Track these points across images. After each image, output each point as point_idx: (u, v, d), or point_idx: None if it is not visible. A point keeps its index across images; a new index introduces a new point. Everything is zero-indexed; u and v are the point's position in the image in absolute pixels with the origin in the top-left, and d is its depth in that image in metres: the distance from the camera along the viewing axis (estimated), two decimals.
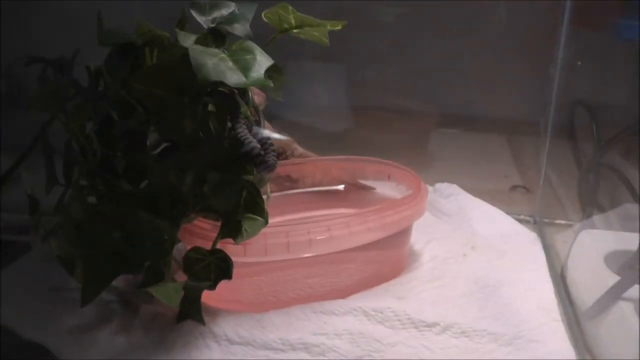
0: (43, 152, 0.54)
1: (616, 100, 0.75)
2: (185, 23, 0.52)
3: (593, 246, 0.66)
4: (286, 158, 0.74)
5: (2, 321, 0.55)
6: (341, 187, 0.75)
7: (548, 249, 0.72)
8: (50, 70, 0.54)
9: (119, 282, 0.59)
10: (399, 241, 0.65)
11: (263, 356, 0.51)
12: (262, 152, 0.49)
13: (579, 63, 0.78)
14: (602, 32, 0.77)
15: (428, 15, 0.86)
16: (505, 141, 0.92)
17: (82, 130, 0.52)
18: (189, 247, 0.51)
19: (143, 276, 0.52)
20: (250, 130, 0.51)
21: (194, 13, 0.51)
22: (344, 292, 0.60)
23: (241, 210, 0.51)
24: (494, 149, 0.92)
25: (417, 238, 0.71)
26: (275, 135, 0.73)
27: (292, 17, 0.54)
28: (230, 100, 0.51)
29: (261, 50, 0.50)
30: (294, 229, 0.55)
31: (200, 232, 0.54)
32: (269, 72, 0.49)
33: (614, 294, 0.56)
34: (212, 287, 0.51)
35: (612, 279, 0.57)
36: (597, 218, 0.74)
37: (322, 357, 0.51)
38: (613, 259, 0.62)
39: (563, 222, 0.81)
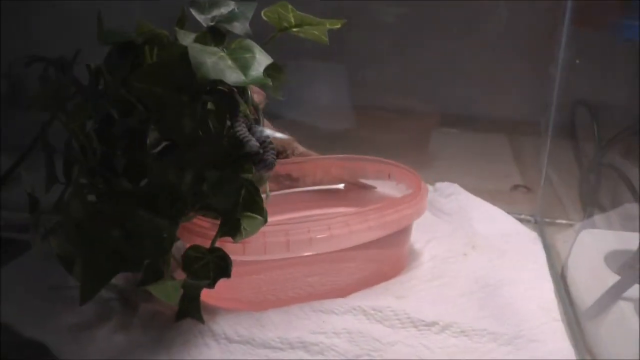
0: (43, 151, 0.54)
1: (617, 100, 0.75)
2: (185, 21, 0.52)
3: (593, 246, 0.66)
4: (287, 157, 0.74)
5: (2, 319, 0.55)
6: (341, 186, 0.75)
7: (549, 248, 0.72)
8: (51, 69, 0.54)
9: (118, 280, 0.59)
10: (399, 240, 0.65)
11: (262, 355, 0.51)
12: (261, 151, 0.49)
13: (577, 61, 0.77)
14: (603, 32, 0.77)
15: (429, 14, 0.86)
16: (506, 141, 0.92)
17: (82, 129, 0.52)
18: (188, 246, 0.51)
19: (142, 274, 0.52)
20: (249, 129, 0.51)
21: (193, 11, 0.51)
22: (344, 291, 0.60)
23: (240, 208, 0.51)
24: (494, 148, 0.92)
25: (418, 237, 0.71)
26: (277, 134, 0.73)
27: (291, 15, 0.54)
28: (229, 98, 0.51)
29: (260, 48, 0.50)
30: (293, 228, 0.55)
31: (200, 231, 0.54)
32: (269, 70, 0.49)
33: (614, 294, 0.56)
34: (211, 285, 0.51)
35: (612, 278, 0.57)
36: (598, 218, 0.74)
37: (320, 356, 0.51)
38: (613, 259, 0.61)
39: (564, 221, 0.81)
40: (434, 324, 0.55)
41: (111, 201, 0.51)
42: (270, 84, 0.48)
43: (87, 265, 0.49)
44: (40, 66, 0.55)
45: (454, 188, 0.84)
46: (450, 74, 0.87)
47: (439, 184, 0.86)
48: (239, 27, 0.52)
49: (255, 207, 0.51)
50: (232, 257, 0.51)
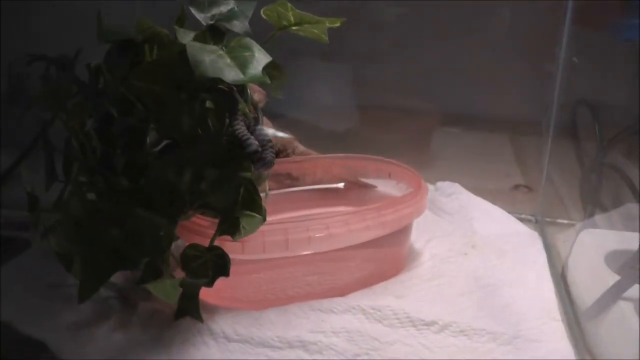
0: (43, 149, 0.54)
1: (619, 99, 0.75)
2: (184, 20, 0.52)
3: (594, 246, 0.66)
4: (287, 156, 0.74)
5: (2, 317, 0.55)
6: (341, 185, 0.75)
7: (549, 248, 0.72)
8: (53, 68, 0.54)
9: (117, 278, 0.59)
10: (398, 239, 0.65)
11: (260, 354, 0.51)
12: (260, 149, 0.49)
13: (574, 59, 0.77)
14: (604, 32, 0.76)
15: (430, 14, 0.86)
16: (508, 140, 0.91)
17: (82, 127, 0.52)
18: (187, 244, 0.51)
19: (142, 273, 0.52)
20: (248, 128, 0.51)
21: (192, 10, 0.51)
22: (343, 290, 0.60)
23: (239, 207, 0.51)
24: (496, 148, 0.92)
25: (418, 236, 0.71)
26: (278, 134, 0.73)
27: (290, 14, 0.54)
28: (228, 97, 0.51)
29: (259, 47, 0.50)
30: (292, 227, 0.55)
31: (198, 229, 0.54)
32: (268, 69, 0.49)
33: (614, 294, 0.56)
34: (210, 284, 0.51)
35: (613, 278, 0.57)
36: (598, 217, 0.73)
37: (319, 355, 0.51)
38: (613, 259, 0.61)
39: (565, 221, 0.81)
40: (433, 323, 0.55)
41: (110, 200, 0.51)
42: (269, 82, 0.48)
43: (86, 264, 0.49)
44: (41, 65, 0.55)
45: (455, 187, 0.84)
46: (451, 73, 0.87)
47: (440, 184, 0.86)
48: (238, 25, 0.52)
49: (254, 205, 0.51)
50: (232, 256, 0.51)
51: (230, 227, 0.51)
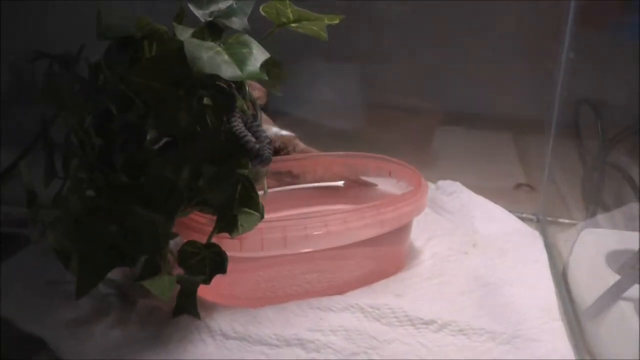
0: (43, 145, 0.55)
1: (621, 98, 0.75)
2: (183, 17, 0.52)
3: (594, 245, 0.66)
4: (287, 154, 0.74)
5: (2, 314, 0.55)
6: (342, 183, 0.75)
7: (550, 247, 0.71)
8: (56, 65, 0.54)
9: (116, 275, 0.59)
10: (398, 238, 0.64)
11: (258, 351, 0.51)
12: (257, 146, 0.49)
13: (571, 55, 0.77)
14: (606, 31, 0.76)
15: (432, 13, 0.86)
16: (509, 139, 0.91)
17: (81, 123, 0.52)
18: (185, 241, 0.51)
19: (141, 270, 0.52)
20: (246, 124, 0.51)
21: (191, 7, 0.51)
22: (342, 289, 0.60)
23: (236, 204, 0.51)
24: (497, 147, 0.91)
25: (419, 235, 0.71)
26: (281, 132, 0.73)
27: (289, 11, 0.54)
28: (226, 94, 0.50)
29: (258, 44, 0.50)
30: (291, 224, 0.55)
31: (196, 226, 0.54)
32: (267, 66, 0.49)
33: (614, 294, 0.55)
34: (207, 281, 0.51)
35: (613, 278, 0.57)
36: (600, 217, 0.73)
37: (316, 354, 0.51)
38: (614, 258, 0.61)
39: (566, 220, 0.81)
40: (432, 322, 0.55)
41: (109, 196, 0.51)
42: (267, 79, 0.48)
43: (83, 260, 0.49)
44: (43, 63, 0.55)
45: (456, 186, 0.84)
46: (452, 72, 0.87)
47: (441, 182, 0.86)
48: (237, 22, 0.52)
49: (251, 202, 0.51)
50: (230, 254, 0.51)
51: (228, 224, 0.51)
